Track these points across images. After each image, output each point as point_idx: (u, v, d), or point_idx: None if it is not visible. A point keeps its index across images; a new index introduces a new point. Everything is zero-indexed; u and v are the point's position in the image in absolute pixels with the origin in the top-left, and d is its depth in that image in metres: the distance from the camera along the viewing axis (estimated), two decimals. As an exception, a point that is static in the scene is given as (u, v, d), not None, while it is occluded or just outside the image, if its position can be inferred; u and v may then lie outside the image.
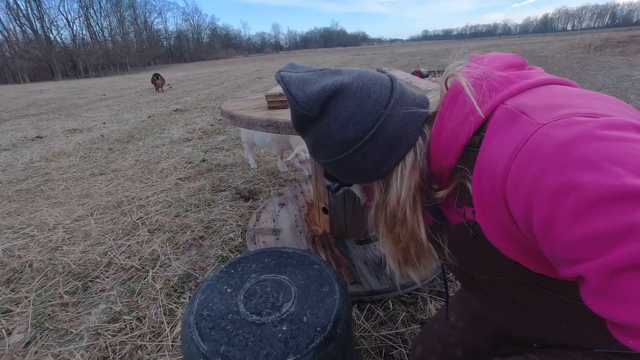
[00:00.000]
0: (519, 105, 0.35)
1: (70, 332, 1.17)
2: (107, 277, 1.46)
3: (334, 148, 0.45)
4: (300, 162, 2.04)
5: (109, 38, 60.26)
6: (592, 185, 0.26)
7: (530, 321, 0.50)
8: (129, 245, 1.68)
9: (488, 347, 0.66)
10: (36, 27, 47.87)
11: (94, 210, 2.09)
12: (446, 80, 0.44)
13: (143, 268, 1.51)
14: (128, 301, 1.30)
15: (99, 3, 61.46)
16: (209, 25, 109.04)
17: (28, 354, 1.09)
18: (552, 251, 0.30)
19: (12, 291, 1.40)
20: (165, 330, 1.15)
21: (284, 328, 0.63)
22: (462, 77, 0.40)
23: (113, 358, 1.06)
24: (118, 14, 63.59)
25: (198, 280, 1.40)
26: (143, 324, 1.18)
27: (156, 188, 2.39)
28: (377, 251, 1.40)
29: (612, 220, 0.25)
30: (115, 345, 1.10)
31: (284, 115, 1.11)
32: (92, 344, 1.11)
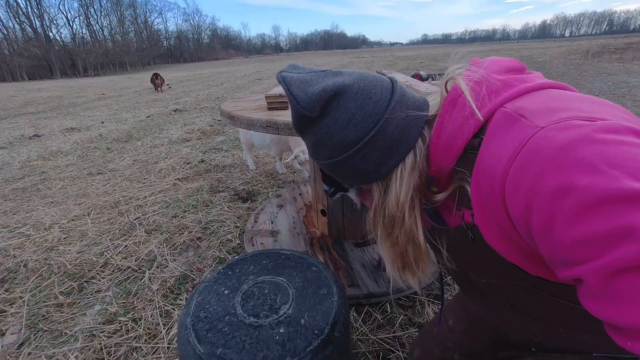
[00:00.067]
0: (518, 108, 0.36)
1: (65, 333, 1.16)
2: (103, 278, 1.45)
3: (334, 149, 0.45)
4: (299, 163, 2.04)
5: (109, 37, 60.24)
6: (590, 188, 0.26)
7: (529, 324, 0.50)
8: (126, 246, 1.67)
9: (486, 350, 0.66)
10: (36, 25, 47.83)
11: (91, 210, 2.07)
12: (446, 83, 0.44)
13: (139, 269, 1.50)
14: (124, 302, 1.29)
15: (100, 2, 61.54)
16: (210, 25, 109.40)
17: (21, 355, 1.08)
18: (551, 253, 0.30)
19: (6, 291, 1.39)
20: (161, 332, 1.14)
21: (282, 330, 0.63)
22: (462, 80, 0.41)
23: None
24: (118, 13, 63.64)
25: (195, 282, 1.40)
26: (139, 326, 1.17)
27: (154, 188, 2.38)
28: (375, 254, 1.39)
29: (611, 222, 0.25)
30: (110, 347, 1.09)
31: (284, 116, 1.11)
32: (87, 346, 1.10)
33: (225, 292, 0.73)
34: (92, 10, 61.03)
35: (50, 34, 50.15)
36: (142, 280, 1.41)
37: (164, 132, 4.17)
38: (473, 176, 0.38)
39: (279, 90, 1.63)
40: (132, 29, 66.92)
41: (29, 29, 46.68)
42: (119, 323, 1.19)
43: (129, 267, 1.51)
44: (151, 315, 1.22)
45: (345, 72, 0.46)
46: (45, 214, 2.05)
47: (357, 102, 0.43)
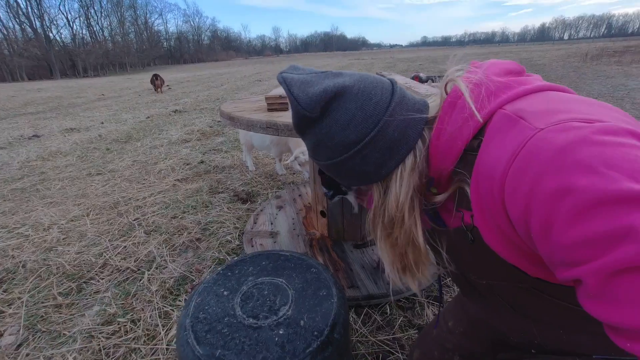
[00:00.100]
0: (517, 110, 0.36)
1: (63, 334, 1.16)
2: (102, 279, 1.44)
3: (334, 149, 0.45)
4: (299, 164, 2.04)
5: (109, 38, 60.30)
6: (589, 189, 0.26)
7: (528, 326, 0.50)
8: (125, 247, 1.67)
9: (486, 352, 0.66)
10: (36, 25, 47.84)
11: (90, 211, 2.07)
12: (446, 85, 0.44)
13: (139, 270, 1.49)
14: (123, 303, 1.29)
15: (100, 3, 61.60)
16: (210, 27, 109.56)
17: (20, 356, 1.07)
18: (550, 254, 0.31)
19: (4, 292, 1.38)
20: (160, 333, 1.14)
21: (281, 332, 0.63)
22: (461, 82, 0.41)
23: (106, 361, 1.05)
24: (119, 14, 63.72)
25: (194, 283, 1.39)
26: (138, 327, 1.17)
27: (153, 189, 2.38)
28: (375, 255, 1.39)
29: (610, 223, 0.25)
30: (109, 348, 1.09)
31: (284, 117, 1.12)
32: (86, 347, 1.10)
33: (225, 293, 0.73)
34: (92, 11, 61.15)
35: (51, 34, 50.20)
36: (141, 281, 1.41)
37: (163, 133, 4.17)
38: (472, 177, 0.38)
39: (279, 91, 1.63)
40: (132, 30, 67.01)
41: (29, 30, 46.73)
42: (118, 324, 1.18)
43: (128, 268, 1.50)
44: (150, 317, 1.21)
45: (345, 73, 0.46)
46: (44, 215, 2.04)
47: (357, 103, 0.43)
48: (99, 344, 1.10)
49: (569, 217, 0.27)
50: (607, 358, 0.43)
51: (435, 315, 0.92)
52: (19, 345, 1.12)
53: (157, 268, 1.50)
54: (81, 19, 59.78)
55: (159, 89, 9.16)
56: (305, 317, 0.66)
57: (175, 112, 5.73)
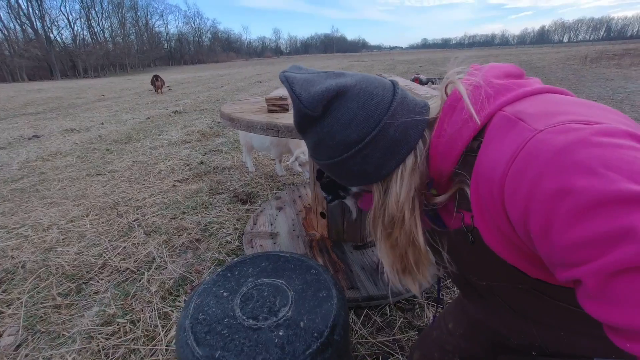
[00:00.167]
0: (517, 112, 0.36)
1: (63, 334, 1.15)
2: (102, 279, 1.44)
3: (335, 149, 0.46)
4: (300, 164, 2.05)
5: (110, 39, 60.41)
6: (588, 190, 0.26)
7: (529, 328, 0.50)
8: (125, 247, 1.67)
9: (486, 354, 0.66)
10: (37, 26, 47.93)
11: (90, 211, 2.07)
12: (446, 87, 0.45)
13: (138, 270, 1.49)
14: (122, 304, 1.29)
15: (101, 4, 61.73)
16: (210, 28, 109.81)
17: (19, 357, 1.07)
18: (550, 255, 0.31)
19: (3, 292, 1.38)
20: (159, 334, 1.14)
21: (281, 333, 0.63)
22: (461, 84, 0.41)
23: (105, 362, 1.05)
24: (119, 15, 63.88)
25: (194, 284, 1.39)
26: (137, 328, 1.17)
27: (153, 190, 2.38)
28: (375, 256, 1.39)
29: (609, 224, 0.25)
30: (108, 349, 1.09)
31: (284, 118, 1.12)
32: (85, 347, 1.10)
33: (224, 294, 0.73)
34: (93, 12, 61.29)
35: (51, 35, 50.27)
36: (141, 282, 1.41)
37: (163, 134, 4.18)
38: (472, 179, 0.39)
39: (279, 92, 1.64)
40: (133, 31, 67.16)
41: (29, 30, 46.82)
42: (117, 325, 1.18)
43: (127, 269, 1.50)
44: (149, 317, 1.21)
45: (347, 73, 0.47)
46: (44, 215, 2.04)
47: (359, 102, 0.44)
48: (98, 345, 1.10)
49: (569, 218, 0.27)
50: (607, 360, 0.43)
51: (435, 316, 0.92)
52: (18, 346, 1.12)
53: (156, 269, 1.49)
54: (82, 20, 59.96)
55: (159, 90, 9.18)
56: (305, 318, 0.66)
57: (175, 113, 5.74)
